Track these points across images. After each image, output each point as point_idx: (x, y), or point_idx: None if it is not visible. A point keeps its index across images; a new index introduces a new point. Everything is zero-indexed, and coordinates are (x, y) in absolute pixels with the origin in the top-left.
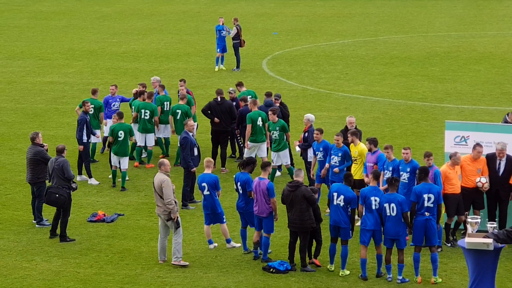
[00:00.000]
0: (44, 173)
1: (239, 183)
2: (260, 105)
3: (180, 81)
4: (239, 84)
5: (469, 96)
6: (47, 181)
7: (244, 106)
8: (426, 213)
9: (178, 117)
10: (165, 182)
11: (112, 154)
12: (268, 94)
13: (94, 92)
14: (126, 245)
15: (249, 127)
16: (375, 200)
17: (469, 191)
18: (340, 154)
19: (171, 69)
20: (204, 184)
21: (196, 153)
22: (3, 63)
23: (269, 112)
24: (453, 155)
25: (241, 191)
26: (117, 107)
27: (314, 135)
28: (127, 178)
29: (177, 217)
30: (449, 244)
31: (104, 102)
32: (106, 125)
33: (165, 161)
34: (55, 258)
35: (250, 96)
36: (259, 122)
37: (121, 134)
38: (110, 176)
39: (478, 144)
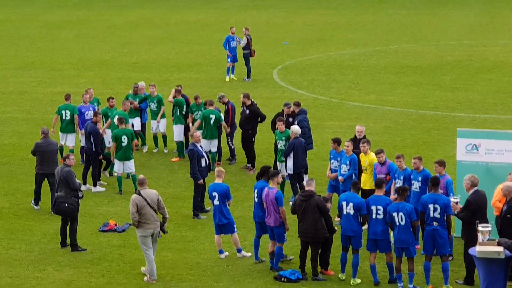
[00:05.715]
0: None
1: (256, 191)
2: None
3: (151, 85)
4: (196, 97)
5: (480, 105)
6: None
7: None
8: (434, 223)
9: (211, 122)
10: (158, 194)
11: (116, 160)
12: (298, 104)
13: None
14: (137, 255)
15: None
16: (378, 209)
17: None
18: (348, 162)
19: (182, 79)
20: (214, 193)
21: (203, 164)
22: (14, 73)
23: (278, 122)
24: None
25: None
26: (90, 116)
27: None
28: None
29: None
30: None
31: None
32: (83, 135)
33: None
34: (67, 267)
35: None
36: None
37: (124, 139)
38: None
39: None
